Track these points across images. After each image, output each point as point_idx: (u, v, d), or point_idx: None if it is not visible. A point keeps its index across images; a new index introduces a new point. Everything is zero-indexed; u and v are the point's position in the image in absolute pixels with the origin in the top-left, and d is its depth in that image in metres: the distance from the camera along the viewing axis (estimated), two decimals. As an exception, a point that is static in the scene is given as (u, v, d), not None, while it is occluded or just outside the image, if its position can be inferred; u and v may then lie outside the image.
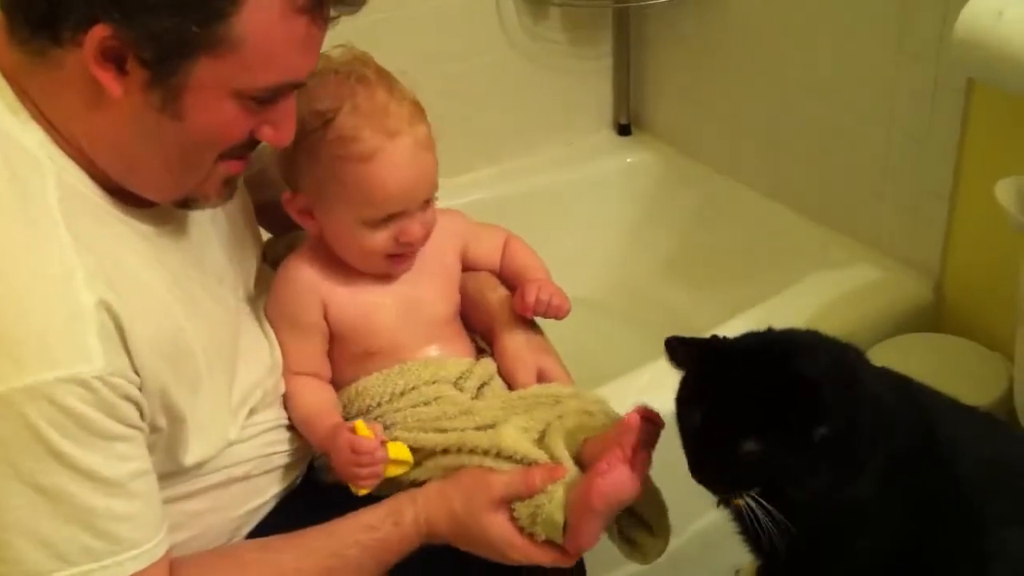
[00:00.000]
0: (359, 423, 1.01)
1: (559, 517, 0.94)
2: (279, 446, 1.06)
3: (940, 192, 1.61)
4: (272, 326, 1.09)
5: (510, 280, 1.19)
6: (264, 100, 0.88)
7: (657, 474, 1.00)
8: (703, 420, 0.89)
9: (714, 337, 0.95)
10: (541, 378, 1.12)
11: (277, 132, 0.92)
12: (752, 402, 0.87)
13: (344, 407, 1.10)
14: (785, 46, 1.81)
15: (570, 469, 0.97)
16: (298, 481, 1.10)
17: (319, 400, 1.08)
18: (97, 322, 0.82)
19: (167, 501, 0.94)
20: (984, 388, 1.48)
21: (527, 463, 0.98)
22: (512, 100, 2.08)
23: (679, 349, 0.94)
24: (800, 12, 1.76)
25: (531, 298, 1.12)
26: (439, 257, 1.14)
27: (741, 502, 0.89)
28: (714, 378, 0.91)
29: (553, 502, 0.95)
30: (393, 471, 1.01)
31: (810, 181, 1.86)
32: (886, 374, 1.01)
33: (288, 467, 1.07)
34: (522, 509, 0.96)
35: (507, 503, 0.97)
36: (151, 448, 0.90)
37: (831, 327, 1.57)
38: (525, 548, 0.97)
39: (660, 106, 2.18)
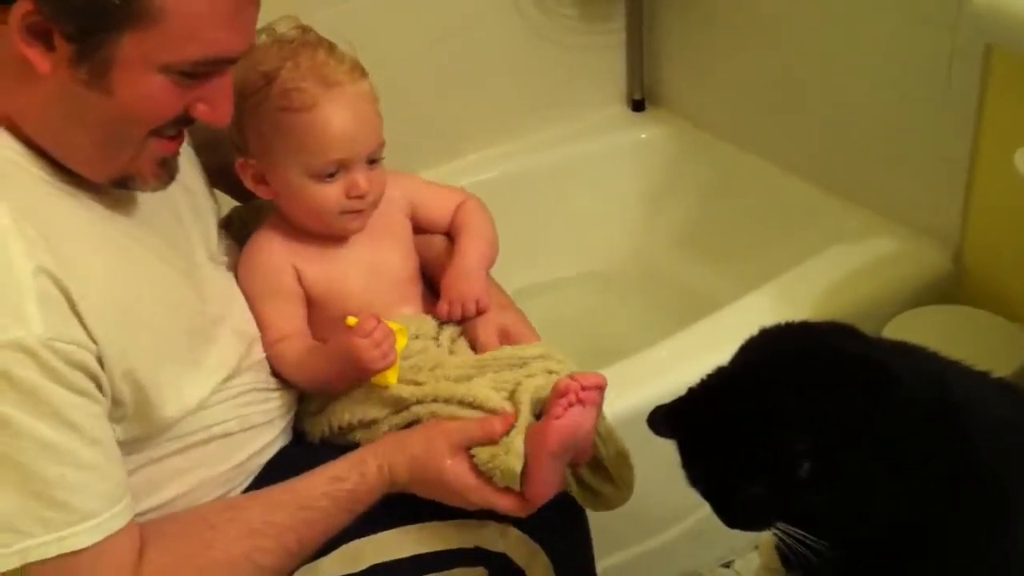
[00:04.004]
0: (349, 318, 1.03)
1: (516, 464, 0.96)
2: (255, 407, 1.07)
3: (958, 160, 1.59)
4: (249, 300, 1.11)
5: (452, 239, 1.21)
6: (194, 75, 0.88)
7: (650, 467, 1.03)
8: (708, 479, 0.94)
9: (690, 390, 0.98)
10: (504, 336, 1.14)
11: (213, 110, 0.92)
12: (739, 453, 0.91)
13: None
14: (799, 16, 1.79)
15: (527, 419, 0.99)
16: (278, 440, 1.11)
17: (309, 344, 1.10)
18: (36, 289, 0.82)
19: (153, 461, 0.96)
20: (1004, 359, 1.47)
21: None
22: (524, 76, 2.06)
23: (660, 421, 0.97)
24: (814, -19, 1.74)
25: (443, 314, 1.14)
26: (388, 219, 1.17)
27: (771, 534, 0.93)
28: (702, 437, 0.95)
29: (511, 451, 0.97)
30: (400, 342, 1.05)
31: (826, 152, 1.84)
32: (889, 345, 1.02)
33: (266, 425, 1.08)
34: (481, 454, 0.99)
35: (466, 448, 0.99)
36: (122, 419, 0.91)
37: (848, 300, 1.60)
38: (483, 491, 0.99)
39: (674, 80, 2.16)
